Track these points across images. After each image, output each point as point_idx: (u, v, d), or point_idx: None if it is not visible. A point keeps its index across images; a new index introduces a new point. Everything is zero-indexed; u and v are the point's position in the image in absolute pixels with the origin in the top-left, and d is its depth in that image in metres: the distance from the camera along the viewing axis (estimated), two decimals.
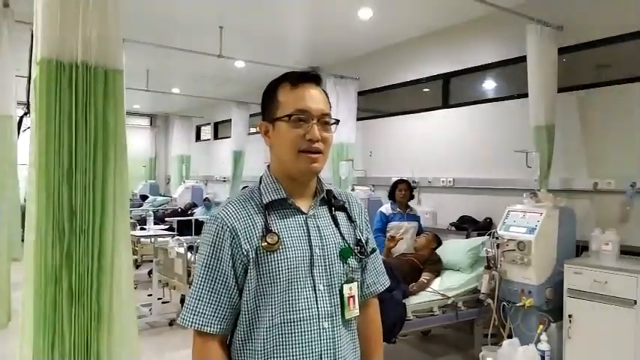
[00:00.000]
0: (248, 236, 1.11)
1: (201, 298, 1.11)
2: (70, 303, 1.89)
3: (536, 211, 3.48)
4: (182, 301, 5.40)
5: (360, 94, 6.12)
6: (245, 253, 1.10)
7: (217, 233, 1.12)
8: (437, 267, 3.97)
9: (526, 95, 3.97)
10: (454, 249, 4.16)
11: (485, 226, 4.47)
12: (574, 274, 3.24)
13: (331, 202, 1.23)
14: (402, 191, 4.61)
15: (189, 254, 4.72)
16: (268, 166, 1.23)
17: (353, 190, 5.47)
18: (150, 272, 5.69)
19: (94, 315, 1.94)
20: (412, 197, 4.73)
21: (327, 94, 1.22)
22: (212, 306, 1.11)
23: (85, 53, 1.85)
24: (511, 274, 3.46)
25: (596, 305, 3.10)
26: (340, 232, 1.20)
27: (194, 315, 1.11)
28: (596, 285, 3.10)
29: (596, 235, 3.43)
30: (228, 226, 1.12)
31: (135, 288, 5.79)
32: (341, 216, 1.24)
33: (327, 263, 1.16)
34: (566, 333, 3.24)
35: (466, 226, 4.66)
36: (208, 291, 1.11)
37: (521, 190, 3.89)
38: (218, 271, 1.12)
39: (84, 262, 1.91)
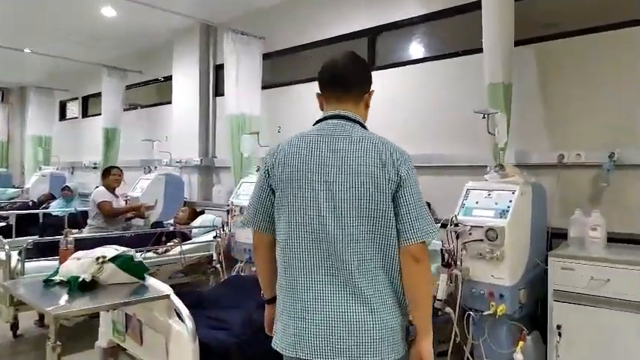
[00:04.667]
0: None
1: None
2: None
3: (507, 189, 2.64)
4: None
5: (265, 56, 5.00)
6: None
7: None
8: None
9: (475, 51, 3.17)
10: None
11: None
12: (562, 270, 2.43)
13: None
14: None
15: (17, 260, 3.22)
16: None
17: (258, 170, 4.32)
18: None
19: None
20: None
21: None
22: None
23: None
24: (475, 273, 2.58)
25: (594, 311, 2.32)
26: None
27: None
28: (595, 284, 2.32)
29: (578, 218, 2.68)
30: None
31: None
32: None
33: None
34: (553, 350, 2.42)
35: None
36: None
37: (464, 167, 3.19)
38: None
39: None
